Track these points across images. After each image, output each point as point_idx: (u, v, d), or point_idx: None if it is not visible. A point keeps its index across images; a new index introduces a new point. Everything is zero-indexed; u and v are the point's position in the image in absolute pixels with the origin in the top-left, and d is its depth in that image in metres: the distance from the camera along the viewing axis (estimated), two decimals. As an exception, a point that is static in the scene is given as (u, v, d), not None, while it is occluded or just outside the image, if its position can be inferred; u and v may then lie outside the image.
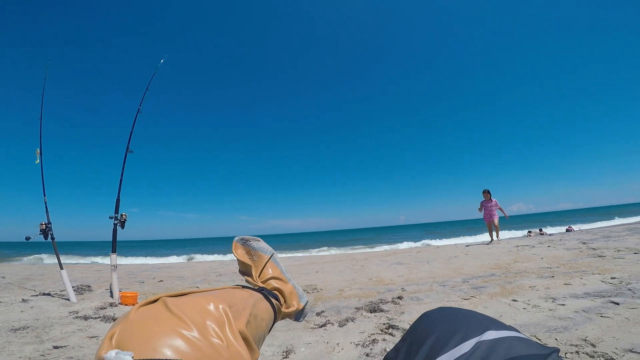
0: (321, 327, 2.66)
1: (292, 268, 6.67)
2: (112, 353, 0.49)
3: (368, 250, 15.27)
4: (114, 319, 3.08)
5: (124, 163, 4.53)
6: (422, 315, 0.72)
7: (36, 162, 4.38)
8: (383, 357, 0.72)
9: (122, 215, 4.28)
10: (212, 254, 17.87)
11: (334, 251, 18.27)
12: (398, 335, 2.31)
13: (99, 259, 17.09)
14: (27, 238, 4.17)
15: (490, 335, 0.55)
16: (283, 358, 2.12)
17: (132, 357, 0.48)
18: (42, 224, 4.15)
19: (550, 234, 11.11)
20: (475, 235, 19.59)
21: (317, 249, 21.10)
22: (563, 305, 2.66)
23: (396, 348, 0.69)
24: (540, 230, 13.74)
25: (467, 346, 0.54)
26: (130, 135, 4.67)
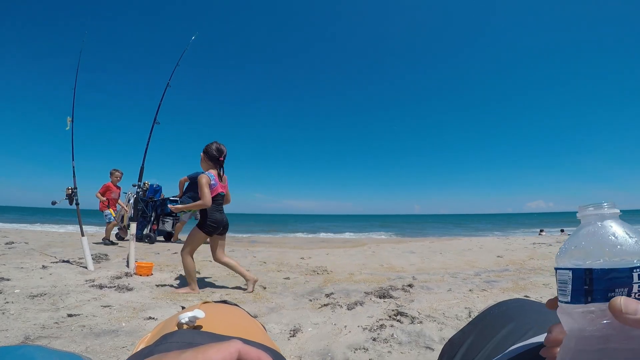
0: (330, 308, 2.67)
1: (304, 249, 6.71)
2: (186, 314, 0.57)
3: (380, 236, 15.27)
4: (128, 289, 3.16)
5: (151, 133, 4.63)
6: (498, 303, 0.72)
7: (66, 128, 4.54)
8: (447, 340, 0.71)
9: (144, 183, 4.38)
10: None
11: (346, 235, 18.34)
12: (406, 323, 2.30)
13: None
14: (53, 202, 4.34)
15: None
16: (290, 337, 2.14)
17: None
18: (69, 189, 4.31)
19: (570, 234, 10.84)
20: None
21: (329, 232, 21.20)
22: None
23: (463, 331, 0.69)
24: (562, 230, 13.44)
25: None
26: (159, 107, 4.77)
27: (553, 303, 0.41)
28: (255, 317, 2.46)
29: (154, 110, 4.73)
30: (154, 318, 2.42)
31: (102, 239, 6.94)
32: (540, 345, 0.52)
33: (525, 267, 4.34)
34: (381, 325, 2.25)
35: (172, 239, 7.83)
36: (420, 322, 2.30)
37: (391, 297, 2.95)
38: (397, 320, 2.35)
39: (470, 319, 0.73)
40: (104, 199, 6.87)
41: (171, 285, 3.46)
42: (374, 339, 2.05)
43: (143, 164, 4.51)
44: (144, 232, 7.62)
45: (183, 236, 7.93)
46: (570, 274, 0.36)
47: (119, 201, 7.25)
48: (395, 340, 2.04)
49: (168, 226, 7.99)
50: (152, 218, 7.78)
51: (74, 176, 4.42)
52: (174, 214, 7.96)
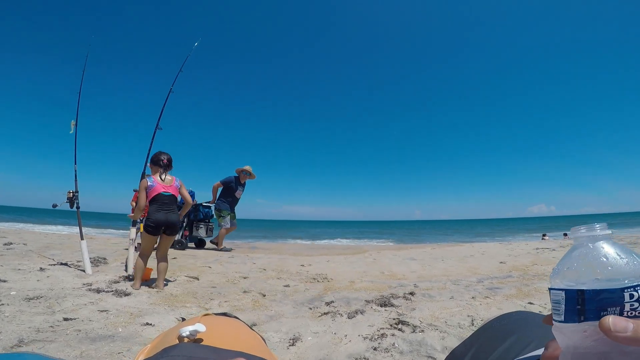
0: (330, 317, 2.62)
1: (304, 256, 6.67)
2: (187, 328, 0.56)
3: (381, 243, 15.20)
4: (126, 294, 3.13)
5: (153, 139, 4.62)
6: (500, 316, 0.72)
7: (70, 132, 4.55)
8: (449, 352, 0.70)
9: None
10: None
11: (346, 242, 18.27)
12: (408, 331, 2.25)
13: (117, 231, 17.61)
14: (54, 205, 4.32)
15: None
16: (290, 345, 2.10)
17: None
18: (70, 192, 4.30)
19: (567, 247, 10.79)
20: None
21: (329, 239, 21.13)
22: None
23: (464, 343, 0.69)
24: (565, 234, 13.41)
25: None
26: (161, 113, 4.78)
27: (549, 319, 0.42)
28: (254, 325, 2.43)
29: (157, 114, 4.73)
30: (151, 324, 2.38)
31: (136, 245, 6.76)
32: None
33: (529, 272, 4.28)
34: (382, 334, 2.20)
35: (217, 246, 7.38)
36: (422, 331, 2.25)
37: (392, 305, 2.90)
38: (399, 329, 2.30)
39: (474, 327, 0.71)
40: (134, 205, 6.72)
41: (170, 292, 3.42)
42: (375, 349, 2.01)
43: (145, 169, 4.49)
44: (176, 238, 7.32)
45: (227, 242, 7.82)
46: (564, 295, 0.38)
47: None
48: (397, 349, 2.00)
49: (202, 232, 7.73)
50: (184, 224, 7.56)
51: (76, 179, 4.43)
52: (207, 220, 7.80)
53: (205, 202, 7.77)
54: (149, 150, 4.59)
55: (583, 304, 0.36)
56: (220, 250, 7.20)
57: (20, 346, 1.92)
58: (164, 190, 3.60)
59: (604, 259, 0.37)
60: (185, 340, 0.55)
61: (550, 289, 0.40)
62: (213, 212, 7.76)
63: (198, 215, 7.76)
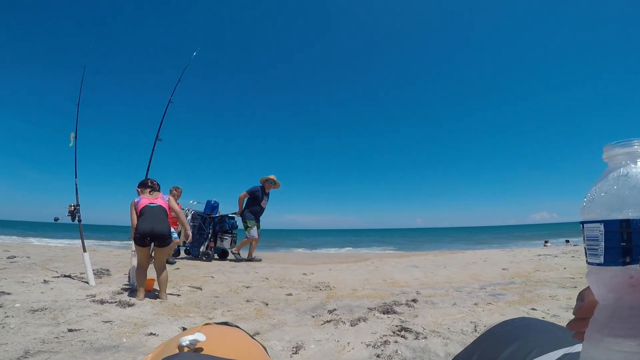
0: (332, 325, 2.63)
1: (306, 265, 6.67)
2: (187, 337, 0.56)
3: (383, 251, 15.16)
4: (129, 304, 3.14)
5: (153, 150, 4.66)
6: (502, 322, 0.71)
7: (70, 145, 4.58)
8: (452, 358, 0.71)
9: None
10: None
11: (348, 250, 18.21)
12: (411, 338, 2.26)
13: (120, 243, 17.60)
14: (56, 219, 4.34)
15: (579, 348, 0.54)
16: (293, 354, 2.11)
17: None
18: (71, 206, 4.32)
19: (575, 245, 10.74)
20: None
21: (331, 248, 21.07)
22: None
23: (467, 350, 0.68)
24: (567, 241, 13.34)
25: (554, 355, 0.52)
26: (161, 124, 4.82)
27: (575, 325, 0.35)
28: (257, 334, 2.44)
29: (157, 126, 4.77)
30: (155, 334, 2.39)
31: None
32: None
33: (532, 279, 4.28)
34: (385, 342, 2.21)
35: (247, 257, 7.26)
36: (425, 338, 2.26)
37: (395, 312, 2.90)
38: (402, 336, 2.31)
39: (476, 334, 0.72)
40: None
41: (173, 303, 3.43)
42: (378, 356, 2.02)
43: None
44: (201, 250, 7.32)
45: (257, 253, 7.69)
46: (602, 228, 0.29)
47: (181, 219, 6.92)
48: (400, 356, 2.01)
49: (226, 244, 7.59)
50: (210, 235, 7.49)
51: (77, 193, 4.43)
52: (232, 232, 7.69)
53: (232, 213, 7.66)
54: (149, 162, 4.63)
55: (629, 239, 0.27)
56: (250, 260, 7.11)
57: (26, 357, 1.94)
58: (150, 203, 3.66)
59: None
60: (185, 349, 0.55)
61: (582, 223, 0.32)
62: (236, 224, 7.70)
63: (224, 226, 7.64)
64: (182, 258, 7.22)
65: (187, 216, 7.48)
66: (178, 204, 6.73)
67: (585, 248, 0.31)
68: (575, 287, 3.60)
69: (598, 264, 0.29)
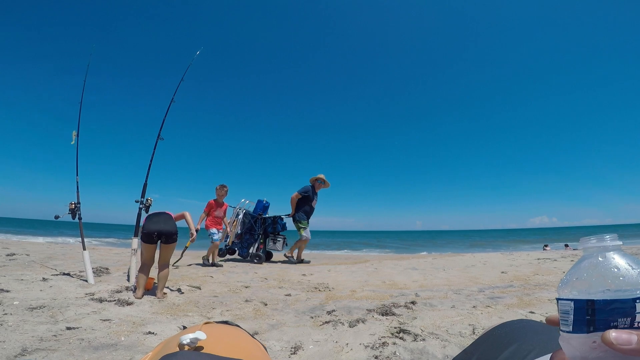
0: (331, 326, 2.63)
1: (305, 265, 6.66)
2: (187, 335, 0.57)
3: (382, 253, 15.14)
4: (128, 303, 3.14)
5: (154, 149, 4.65)
6: (501, 324, 0.72)
7: (72, 142, 4.59)
8: (450, 359, 0.71)
9: (147, 199, 4.37)
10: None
11: (347, 251, 18.18)
12: (409, 340, 2.26)
13: (119, 242, 17.58)
14: (56, 217, 4.34)
15: None
16: (291, 354, 2.10)
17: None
18: (72, 204, 4.32)
19: (574, 249, 10.73)
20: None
21: (330, 249, 21.03)
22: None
23: (466, 352, 0.69)
24: (567, 245, 13.34)
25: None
26: (163, 123, 4.81)
27: (553, 320, 0.42)
28: (255, 334, 2.44)
29: (159, 125, 4.77)
30: (153, 333, 2.39)
31: (202, 258, 6.49)
32: None
33: (530, 282, 4.27)
34: (383, 343, 2.21)
35: (297, 259, 7.13)
36: (423, 340, 2.25)
37: (393, 314, 2.90)
38: (400, 338, 2.31)
39: (474, 336, 0.72)
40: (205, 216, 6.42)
41: (173, 302, 3.43)
42: (376, 357, 2.01)
43: (146, 180, 4.52)
44: (251, 251, 7.11)
45: (305, 254, 7.56)
46: (572, 305, 0.37)
47: (224, 219, 6.65)
48: (398, 358, 2.01)
49: (279, 245, 7.38)
50: (260, 236, 7.30)
51: (77, 191, 4.44)
52: (278, 232, 7.46)
53: (284, 215, 7.47)
54: (151, 160, 4.63)
55: (593, 314, 0.35)
56: (300, 262, 6.94)
57: (23, 355, 1.94)
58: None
59: (615, 270, 0.36)
60: (186, 348, 0.56)
61: (558, 299, 0.40)
62: (287, 225, 7.51)
63: (276, 227, 7.45)
64: (230, 260, 7.18)
65: (237, 215, 7.36)
66: (224, 203, 6.55)
67: (559, 319, 0.40)
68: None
69: (568, 332, 0.38)
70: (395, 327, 2.52)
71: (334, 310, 3.07)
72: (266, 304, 3.36)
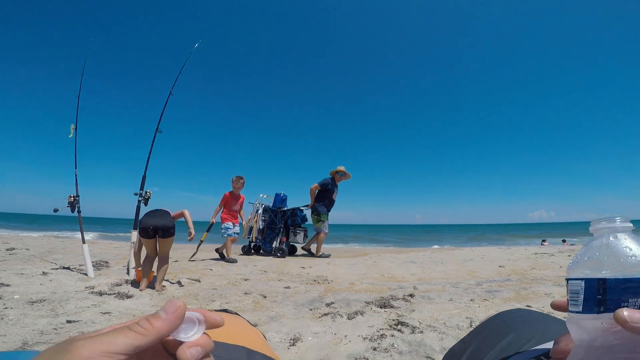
0: (330, 318, 2.65)
1: (304, 259, 6.69)
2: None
3: (381, 246, 15.18)
4: (128, 296, 3.16)
5: (153, 142, 4.66)
6: (499, 313, 0.72)
7: (70, 136, 4.59)
8: (448, 350, 0.71)
9: (146, 192, 4.38)
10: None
11: (347, 245, 18.23)
12: (407, 332, 2.28)
13: (119, 235, 17.59)
14: (55, 210, 4.35)
15: None
16: (290, 346, 2.12)
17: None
18: (71, 197, 4.32)
19: (572, 244, 10.79)
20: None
21: (330, 242, 21.05)
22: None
23: (463, 341, 0.69)
24: (564, 240, 13.41)
25: (549, 346, 0.52)
26: (161, 116, 4.81)
27: (558, 304, 0.42)
28: (255, 325, 2.45)
29: (157, 117, 4.77)
30: (153, 325, 2.41)
31: (217, 250, 6.44)
32: (539, 355, 0.52)
33: (527, 277, 4.30)
34: (382, 335, 2.23)
35: (316, 253, 6.92)
36: (421, 332, 2.28)
37: (392, 306, 2.92)
38: (398, 330, 2.33)
39: (472, 329, 0.73)
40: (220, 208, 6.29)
41: (172, 294, 3.45)
42: (375, 349, 2.03)
43: (145, 173, 4.53)
44: (274, 245, 6.98)
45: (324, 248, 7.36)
46: (583, 284, 0.37)
47: (241, 213, 6.48)
48: (396, 350, 2.03)
49: (299, 238, 7.21)
50: (282, 229, 7.15)
51: (76, 184, 4.45)
52: (299, 225, 7.32)
53: (303, 206, 7.31)
54: (149, 153, 4.64)
55: (604, 294, 0.35)
56: (320, 257, 6.75)
57: (24, 348, 1.95)
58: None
59: (628, 249, 0.36)
60: None
61: (567, 280, 0.39)
62: (306, 216, 7.37)
63: (296, 219, 7.27)
64: (175, 249, 7.22)
65: (257, 211, 7.24)
66: (241, 195, 6.37)
67: (567, 300, 0.39)
68: (571, 284, 3.62)
69: (577, 312, 0.37)
70: (393, 320, 2.54)
71: (332, 303, 3.09)
72: (265, 297, 3.39)
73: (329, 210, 7.14)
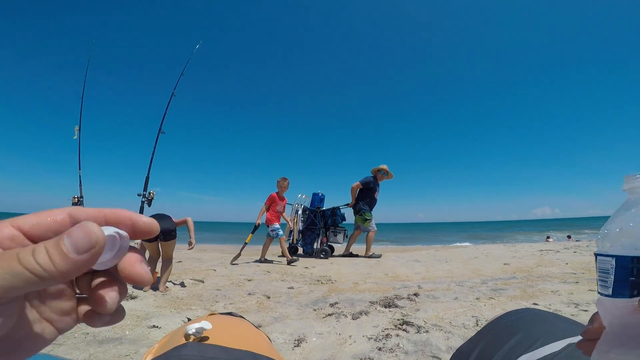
0: (334, 318, 2.64)
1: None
2: (193, 325, 0.57)
3: (384, 245, 15.17)
4: (132, 297, 3.16)
5: (156, 143, 4.65)
6: (507, 312, 0.71)
7: (74, 137, 4.61)
8: (455, 349, 0.71)
9: (150, 193, 4.38)
10: (226, 240, 18.09)
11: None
12: (412, 332, 2.26)
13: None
14: None
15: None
16: (295, 346, 2.11)
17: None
18: (75, 198, 4.33)
19: (577, 240, 10.73)
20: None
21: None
22: (586, 311, 2.54)
23: (471, 340, 0.69)
24: (569, 236, 13.37)
25: (557, 345, 0.53)
26: (164, 117, 4.80)
27: (584, 346, 0.34)
28: (259, 326, 2.44)
29: (160, 118, 4.77)
30: (157, 326, 2.40)
31: (261, 259, 6.20)
32: (547, 356, 0.51)
33: (533, 274, 4.27)
34: (387, 335, 2.22)
35: (365, 254, 6.67)
36: (427, 332, 2.26)
37: (396, 306, 2.91)
38: (403, 330, 2.31)
39: (478, 328, 0.72)
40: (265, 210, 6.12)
41: (176, 295, 3.45)
42: (380, 349, 2.02)
43: (148, 174, 4.52)
44: (315, 246, 6.84)
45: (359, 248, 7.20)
46: (614, 262, 0.30)
47: (283, 214, 6.34)
48: (402, 349, 2.01)
49: (340, 238, 7.08)
50: (322, 230, 7.01)
51: (80, 185, 4.46)
52: (337, 225, 7.16)
53: (343, 205, 7.16)
54: (152, 154, 4.63)
55: (639, 275, 0.29)
56: (370, 257, 6.56)
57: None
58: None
59: None
60: (192, 338, 0.56)
61: (596, 255, 0.33)
62: (345, 216, 7.22)
63: (336, 219, 7.13)
64: (178, 249, 7.17)
65: (297, 211, 7.15)
66: (284, 198, 6.25)
67: (597, 278, 0.33)
68: (577, 282, 3.59)
69: (607, 295, 0.31)
70: (398, 319, 2.52)
71: (336, 303, 3.08)
72: (269, 297, 3.38)
73: (371, 209, 6.99)
